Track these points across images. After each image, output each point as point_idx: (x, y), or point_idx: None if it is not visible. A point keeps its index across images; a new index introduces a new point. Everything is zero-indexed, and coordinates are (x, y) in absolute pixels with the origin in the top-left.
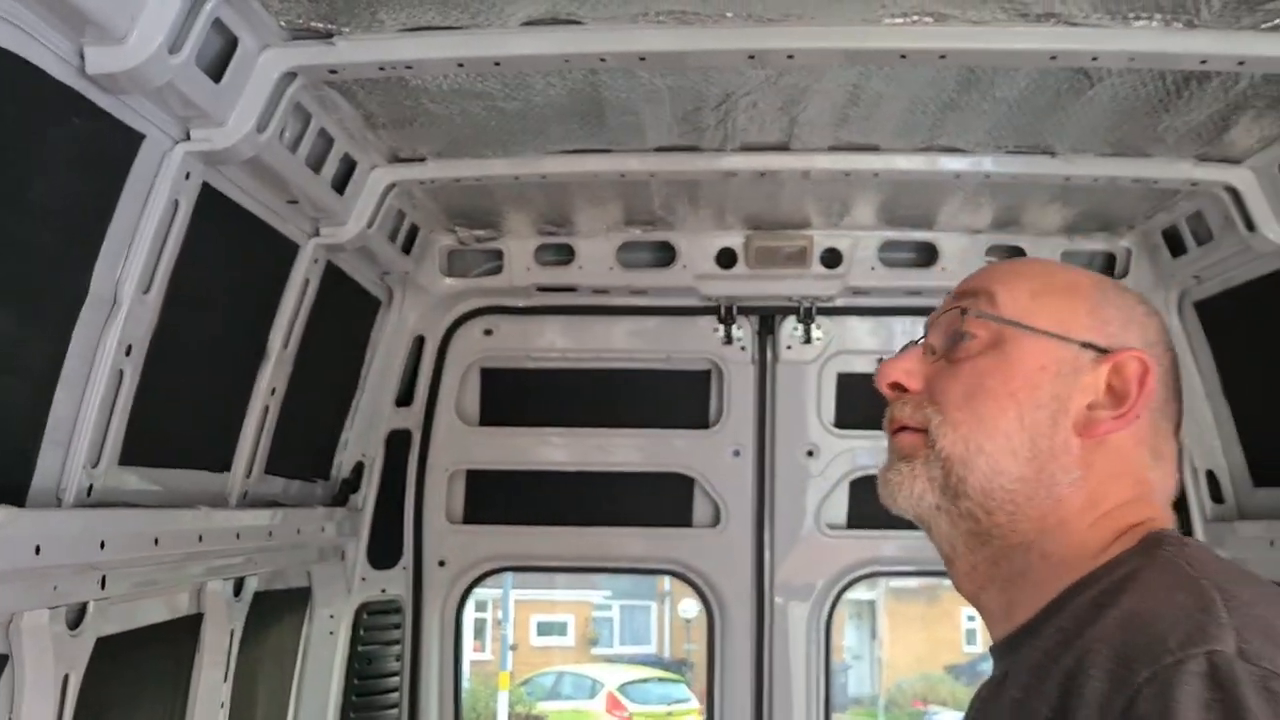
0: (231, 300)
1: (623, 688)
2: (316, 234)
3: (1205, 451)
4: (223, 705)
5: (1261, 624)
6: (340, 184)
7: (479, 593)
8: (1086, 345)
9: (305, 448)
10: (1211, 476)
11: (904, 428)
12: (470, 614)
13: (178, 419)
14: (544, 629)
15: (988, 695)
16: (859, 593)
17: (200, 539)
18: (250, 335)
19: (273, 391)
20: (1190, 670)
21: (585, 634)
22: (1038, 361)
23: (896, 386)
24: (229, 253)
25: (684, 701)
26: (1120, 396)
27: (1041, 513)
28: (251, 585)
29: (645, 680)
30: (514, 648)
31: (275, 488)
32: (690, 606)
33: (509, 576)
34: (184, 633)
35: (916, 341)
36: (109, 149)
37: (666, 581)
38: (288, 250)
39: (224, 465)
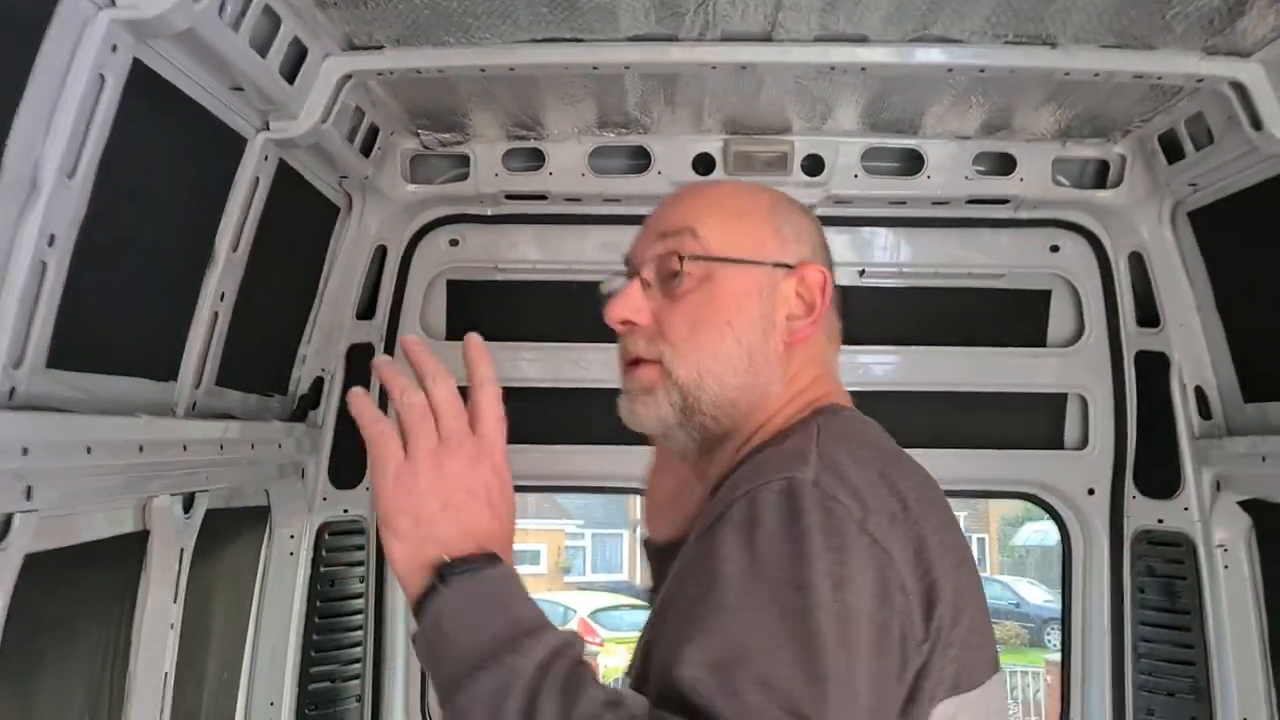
0: (172, 195)
1: (595, 614)
2: (266, 128)
3: (1194, 367)
4: (172, 626)
5: (838, 469)
6: (290, 73)
7: None
8: (778, 265)
9: (260, 360)
10: (1200, 393)
11: (639, 360)
12: None
13: (115, 321)
14: (516, 558)
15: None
16: None
17: (141, 449)
18: (195, 234)
19: (221, 297)
20: (772, 488)
21: (557, 563)
22: (743, 287)
23: (627, 323)
24: (167, 141)
25: None
26: (809, 304)
27: (753, 407)
28: (203, 502)
29: (617, 607)
30: None
31: (229, 401)
32: None
33: None
34: (129, 551)
35: (631, 277)
36: (19, 9)
37: (638, 509)
38: (234, 143)
39: (169, 374)
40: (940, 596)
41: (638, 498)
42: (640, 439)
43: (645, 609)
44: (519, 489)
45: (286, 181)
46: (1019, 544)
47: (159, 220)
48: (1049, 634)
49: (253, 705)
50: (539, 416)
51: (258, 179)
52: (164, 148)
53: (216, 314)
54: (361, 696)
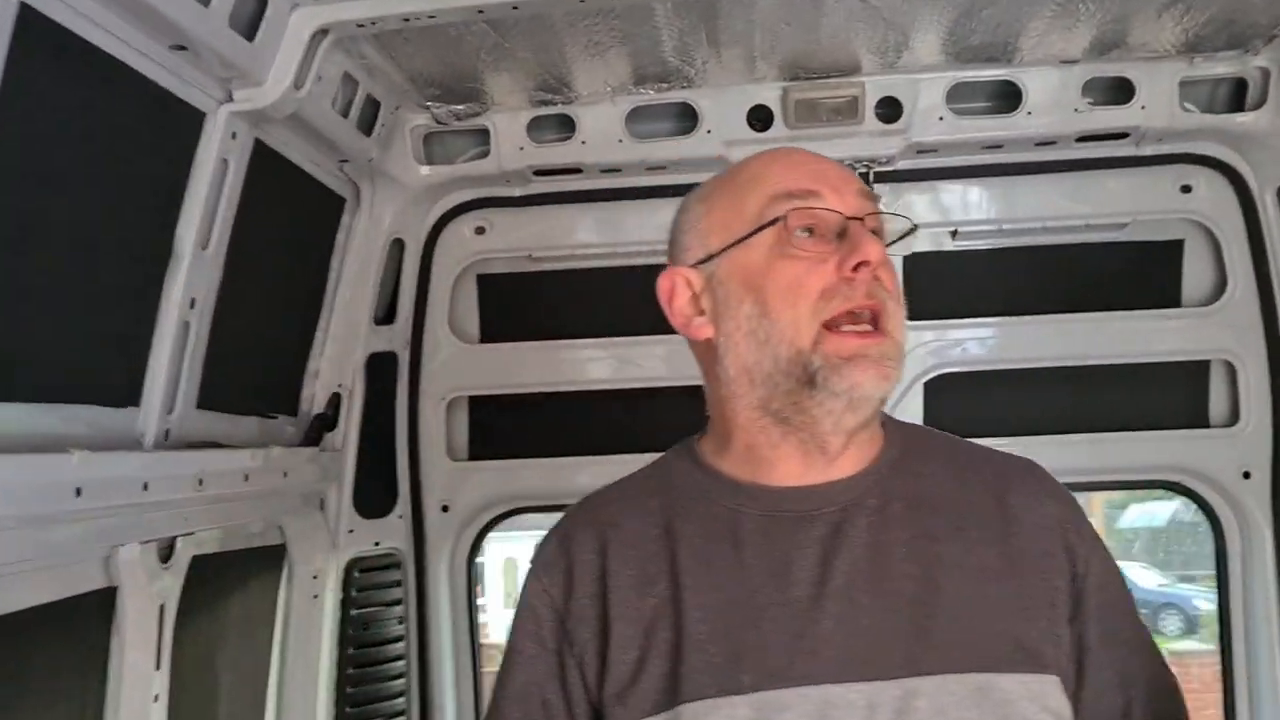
0: (114, 182)
1: None
2: (229, 99)
3: None
4: (157, 698)
5: None
6: (249, 27)
7: (538, 534)
8: None
9: (258, 378)
10: None
11: (874, 326)
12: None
13: (46, 336)
14: None
15: (822, 539)
16: None
17: (79, 493)
18: (147, 230)
19: (192, 304)
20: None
21: None
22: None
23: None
24: (99, 117)
25: None
26: None
27: None
28: (187, 548)
29: None
30: None
31: (217, 427)
32: None
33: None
34: (94, 612)
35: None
36: None
37: None
38: (190, 118)
39: (128, 398)
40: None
41: None
42: None
43: None
44: None
45: (269, 166)
46: (1126, 527)
47: (95, 213)
48: (1163, 620)
49: None
50: (589, 423)
51: (226, 162)
52: (94, 124)
53: (187, 324)
54: None
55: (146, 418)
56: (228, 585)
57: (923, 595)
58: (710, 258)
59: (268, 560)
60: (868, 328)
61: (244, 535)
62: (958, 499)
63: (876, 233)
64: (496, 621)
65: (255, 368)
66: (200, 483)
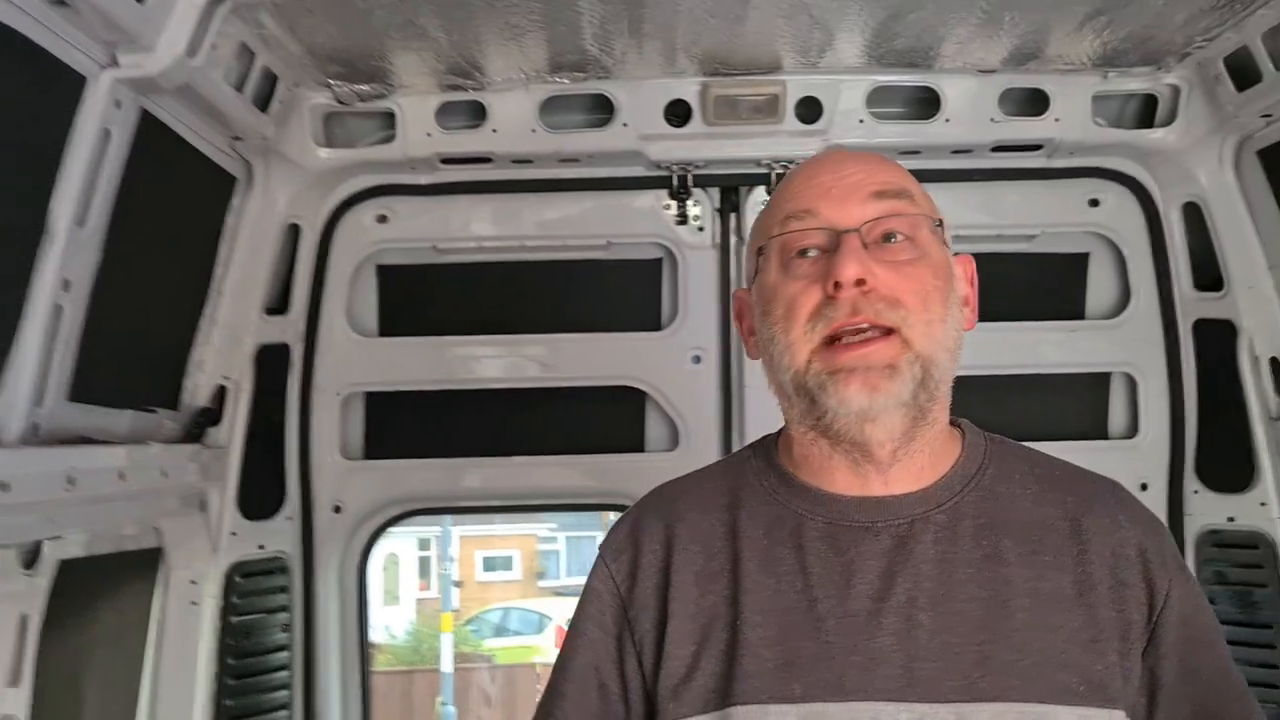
0: None
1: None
2: (114, 64)
3: (1269, 336)
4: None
5: None
6: None
7: (421, 530)
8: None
9: (138, 368)
10: (1276, 365)
11: (869, 336)
12: (414, 552)
13: None
14: (489, 564)
15: (886, 552)
16: None
17: None
18: (19, 203)
19: (66, 286)
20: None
21: (531, 568)
22: (945, 259)
23: (861, 283)
24: None
25: None
26: (966, 295)
27: (945, 395)
28: (52, 552)
29: None
30: (459, 584)
31: (90, 421)
32: None
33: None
34: None
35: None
36: None
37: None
38: (69, 82)
39: None
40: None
41: None
42: (617, 445)
43: None
44: (471, 510)
45: (155, 139)
46: None
47: None
48: None
49: None
50: (490, 423)
51: (108, 132)
52: None
53: (60, 308)
54: None
55: (10, 410)
56: (98, 592)
57: (988, 619)
58: (753, 278)
59: (142, 565)
60: (870, 335)
61: (117, 538)
62: (1032, 521)
63: (893, 235)
64: (377, 619)
65: (134, 357)
66: (70, 482)
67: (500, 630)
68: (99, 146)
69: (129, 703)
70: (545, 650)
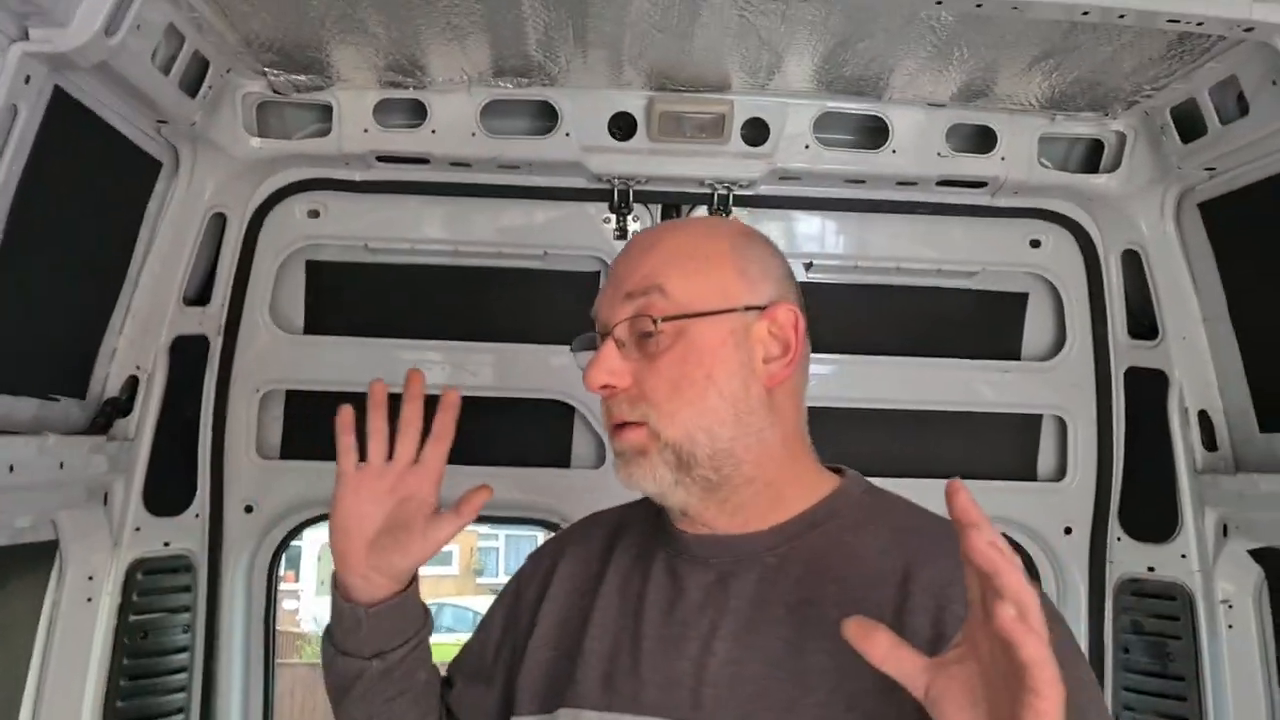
0: None
1: None
2: (24, 37)
3: (1198, 388)
4: None
5: None
6: None
7: None
8: (748, 308)
9: (44, 354)
10: (1205, 419)
11: (626, 423)
12: (315, 566)
13: None
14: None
15: (708, 585)
16: None
17: None
18: None
19: None
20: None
21: (469, 564)
22: (718, 338)
23: (608, 387)
24: None
25: None
26: (784, 344)
27: (755, 456)
28: None
29: None
30: None
31: None
32: None
33: None
34: None
35: (603, 335)
36: None
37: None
38: None
39: None
40: None
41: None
42: (544, 460)
43: None
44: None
45: (70, 118)
46: None
47: None
48: None
49: None
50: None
51: (16, 108)
52: None
53: None
54: None
55: None
56: None
57: (784, 657)
58: None
59: (35, 557)
60: (627, 424)
61: (10, 531)
62: (868, 571)
63: (647, 332)
64: (309, 609)
65: (39, 342)
66: None
67: (435, 626)
68: (3, 123)
69: (12, 702)
70: None
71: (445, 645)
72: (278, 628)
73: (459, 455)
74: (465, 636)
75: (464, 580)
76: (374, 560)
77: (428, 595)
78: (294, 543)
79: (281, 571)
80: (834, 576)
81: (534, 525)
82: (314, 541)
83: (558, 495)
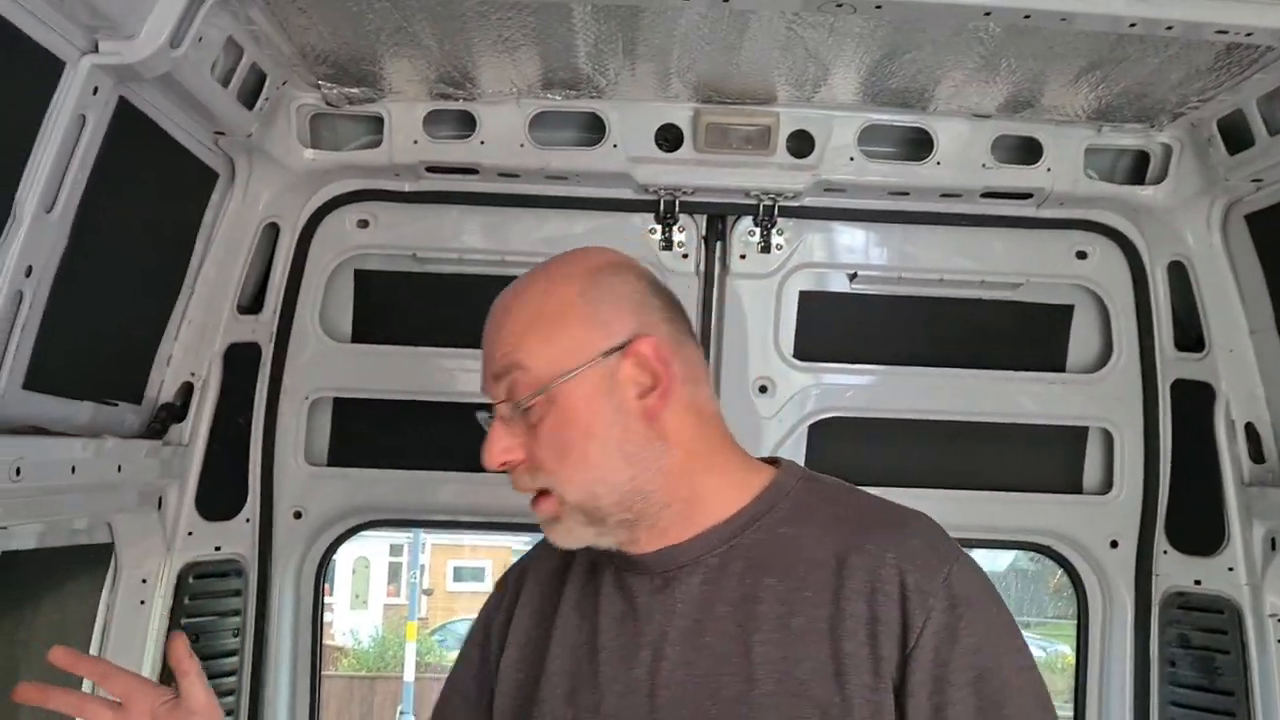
0: None
1: None
2: (94, 50)
3: (1245, 401)
4: None
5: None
6: None
7: (393, 536)
8: (607, 354)
9: (100, 360)
10: (1252, 431)
11: (538, 493)
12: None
13: None
14: (461, 574)
15: (654, 592)
16: None
17: None
18: None
19: (28, 272)
20: (968, 566)
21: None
22: (585, 395)
23: (506, 464)
24: None
25: None
26: (653, 374)
27: (662, 484)
28: None
29: None
30: (429, 592)
31: (42, 411)
32: None
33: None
34: None
35: (490, 414)
36: None
37: None
38: (47, 67)
39: None
40: None
41: None
42: None
43: None
44: (433, 524)
45: (134, 129)
46: None
47: None
48: None
49: None
50: (458, 439)
51: (84, 118)
52: None
53: (20, 294)
54: None
55: None
56: (42, 586)
57: (730, 653)
58: None
59: (92, 560)
60: (538, 495)
61: (67, 532)
62: (806, 559)
63: (520, 403)
64: (343, 622)
65: (98, 349)
66: (17, 473)
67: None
68: (72, 132)
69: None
70: None
71: None
72: None
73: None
74: None
75: None
76: None
77: (462, 610)
78: None
79: None
80: (773, 570)
81: None
82: (348, 555)
83: None
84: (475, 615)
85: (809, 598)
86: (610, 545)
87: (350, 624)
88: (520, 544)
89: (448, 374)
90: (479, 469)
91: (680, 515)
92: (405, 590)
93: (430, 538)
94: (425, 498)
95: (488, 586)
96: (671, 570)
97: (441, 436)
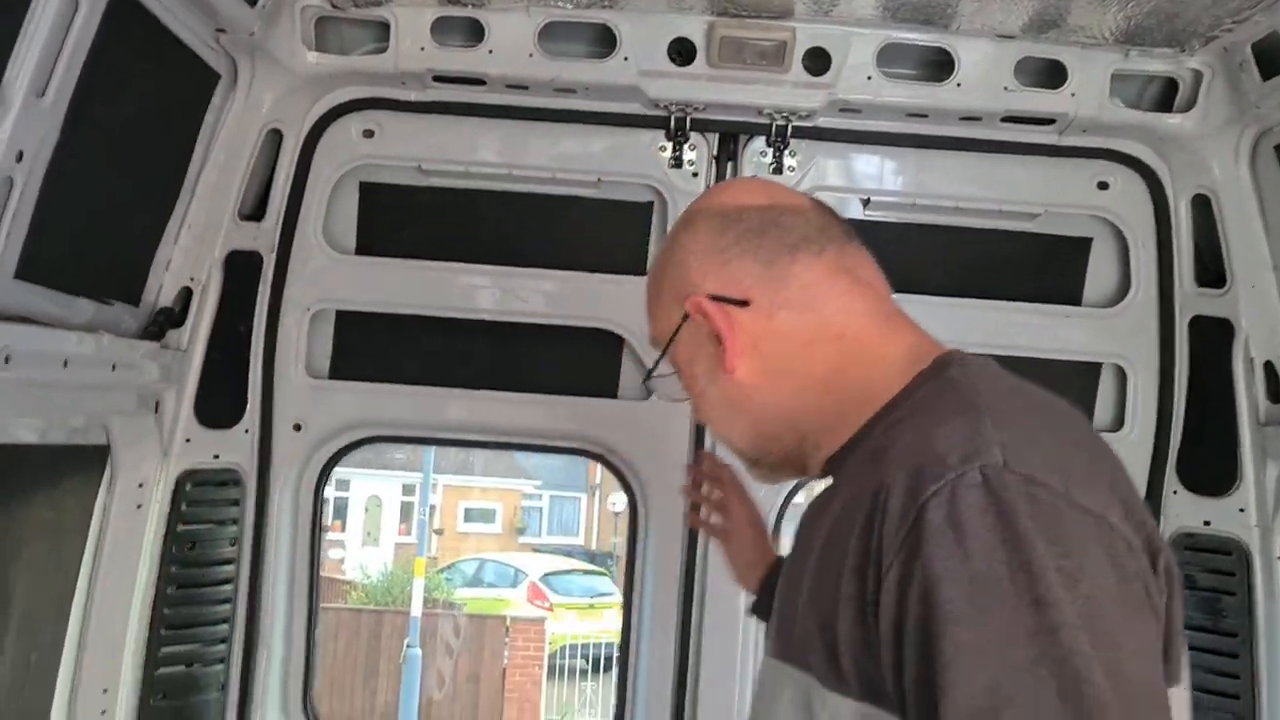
0: None
1: (545, 578)
2: None
3: (1266, 338)
4: None
5: (1019, 437)
6: None
7: (405, 476)
8: (681, 323)
9: (98, 256)
10: (1271, 369)
11: None
12: (397, 496)
13: None
14: (471, 515)
15: (816, 507)
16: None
17: None
18: None
19: (19, 157)
20: (967, 482)
21: (513, 522)
22: (683, 363)
23: None
24: None
25: (606, 595)
26: (714, 333)
27: (778, 427)
28: None
29: (569, 571)
30: (439, 532)
31: (40, 304)
32: (620, 500)
33: (430, 457)
34: None
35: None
36: None
37: (599, 473)
38: None
39: None
40: (1158, 545)
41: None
42: (591, 389)
43: (598, 574)
44: (433, 441)
45: (131, 19)
46: None
47: None
48: None
49: (79, 693)
50: (462, 355)
51: (77, 4)
52: None
53: (11, 179)
54: (226, 684)
55: None
56: (38, 484)
57: (798, 578)
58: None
59: (88, 461)
60: None
61: (64, 430)
62: (865, 482)
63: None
64: (354, 559)
65: (94, 245)
66: (6, 360)
67: (475, 581)
68: (65, 15)
69: (63, 602)
70: (516, 604)
71: (485, 600)
72: (322, 574)
73: (506, 381)
74: (506, 592)
75: (507, 538)
76: None
77: (471, 551)
78: (340, 495)
79: (329, 521)
80: (844, 493)
81: (577, 455)
82: (361, 493)
83: (604, 427)
84: (482, 555)
85: (852, 521)
86: (788, 478)
87: (361, 560)
88: (530, 487)
89: (452, 289)
90: (483, 385)
91: (816, 448)
92: (416, 529)
93: (442, 479)
94: (426, 415)
95: (497, 528)
96: (815, 502)
97: (444, 353)
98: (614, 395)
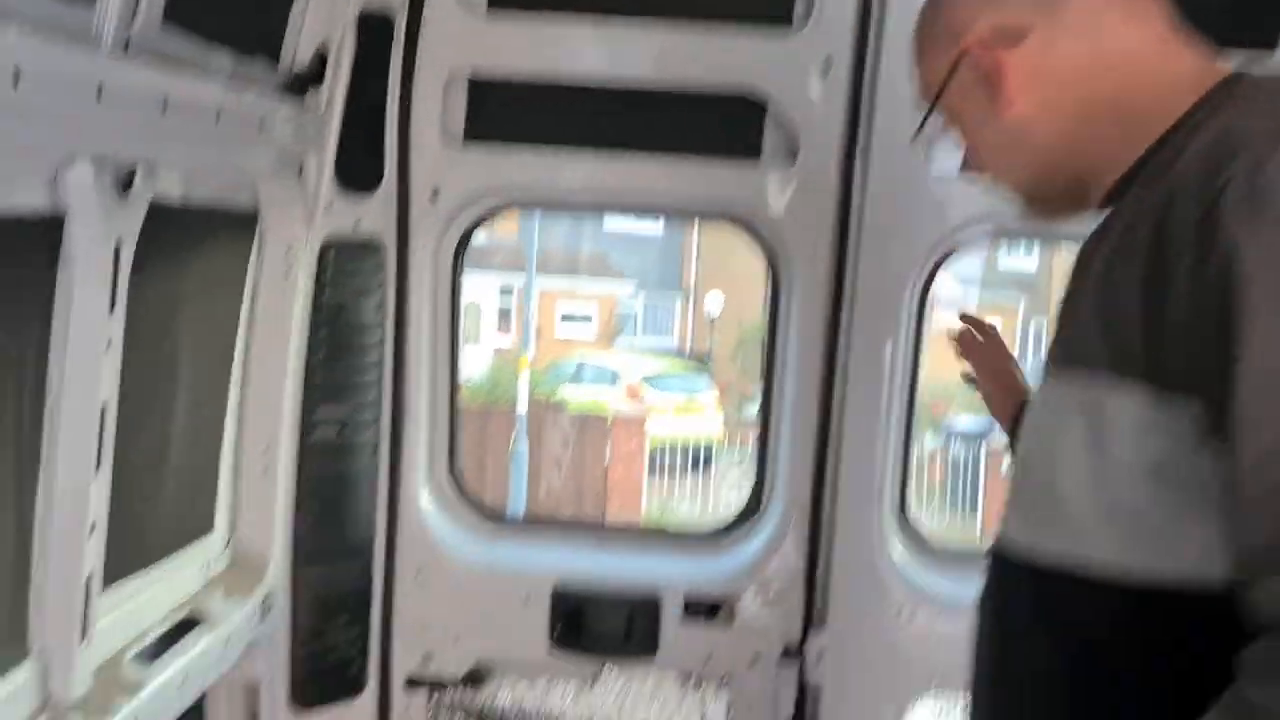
0: None
1: (643, 379)
2: None
3: None
4: (110, 345)
5: None
6: None
7: (504, 278)
8: (949, 73)
9: (234, 10)
10: None
11: None
12: (495, 301)
13: None
14: (568, 319)
15: (1096, 234)
16: None
17: (17, 79)
18: None
19: None
20: (1272, 159)
21: (609, 325)
22: (956, 109)
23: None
24: None
25: (702, 391)
26: (986, 75)
27: (1055, 164)
28: (148, 183)
29: (666, 374)
30: (537, 333)
31: (185, 49)
32: (715, 302)
33: (531, 263)
34: (37, 240)
35: None
36: None
37: (693, 274)
38: None
39: None
40: None
41: (693, 261)
42: (731, 152)
43: (696, 372)
44: (573, 206)
45: None
46: (1006, 270)
47: None
48: None
49: (243, 451)
50: (598, 118)
51: None
52: None
53: None
54: (377, 449)
55: (104, 17)
56: (193, 245)
57: (1075, 296)
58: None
59: (239, 226)
60: None
61: (215, 188)
62: (1153, 198)
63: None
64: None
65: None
66: (165, 106)
67: (574, 381)
68: None
69: (224, 360)
70: (615, 405)
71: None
72: None
73: (643, 144)
74: (602, 389)
75: (602, 341)
76: None
77: (565, 353)
78: None
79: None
80: (1117, 221)
81: (718, 219)
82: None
83: (742, 190)
84: (580, 358)
85: (1132, 234)
86: (1071, 212)
87: (462, 362)
88: (625, 291)
89: (590, 51)
90: (623, 150)
91: (1096, 184)
92: (515, 333)
93: (540, 282)
94: (560, 179)
95: (593, 332)
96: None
97: (581, 117)
98: (755, 158)
